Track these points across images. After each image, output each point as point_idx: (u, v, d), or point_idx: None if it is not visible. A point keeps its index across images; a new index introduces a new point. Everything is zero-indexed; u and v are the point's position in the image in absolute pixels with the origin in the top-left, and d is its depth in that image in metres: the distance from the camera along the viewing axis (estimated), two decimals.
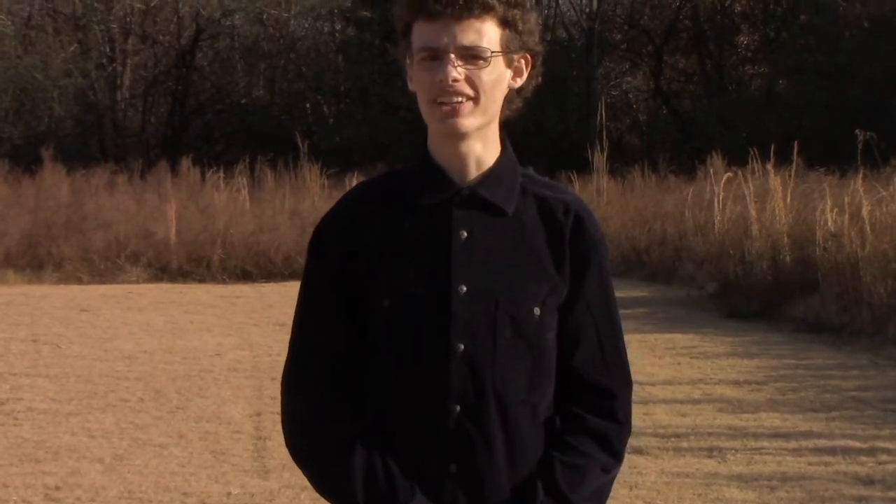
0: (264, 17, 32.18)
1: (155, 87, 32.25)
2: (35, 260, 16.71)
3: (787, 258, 12.94)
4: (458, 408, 2.19)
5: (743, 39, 33.20)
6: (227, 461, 6.85)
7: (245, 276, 16.75)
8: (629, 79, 34.29)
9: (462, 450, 2.19)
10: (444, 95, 2.16)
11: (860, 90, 25.13)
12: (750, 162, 15.06)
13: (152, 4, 30.92)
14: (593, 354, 2.28)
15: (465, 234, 2.21)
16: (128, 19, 31.01)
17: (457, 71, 2.15)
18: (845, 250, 11.99)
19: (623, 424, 2.30)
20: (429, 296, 2.20)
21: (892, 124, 19.95)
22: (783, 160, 14.68)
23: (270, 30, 32.95)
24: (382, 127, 28.73)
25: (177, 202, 17.79)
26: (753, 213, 13.70)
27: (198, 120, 32.37)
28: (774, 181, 14.02)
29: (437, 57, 2.16)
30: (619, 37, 33.73)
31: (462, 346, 2.18)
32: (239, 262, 16.90)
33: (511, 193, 2.25)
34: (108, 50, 30.78)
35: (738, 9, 33.03)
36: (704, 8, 32.73)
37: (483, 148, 2.24)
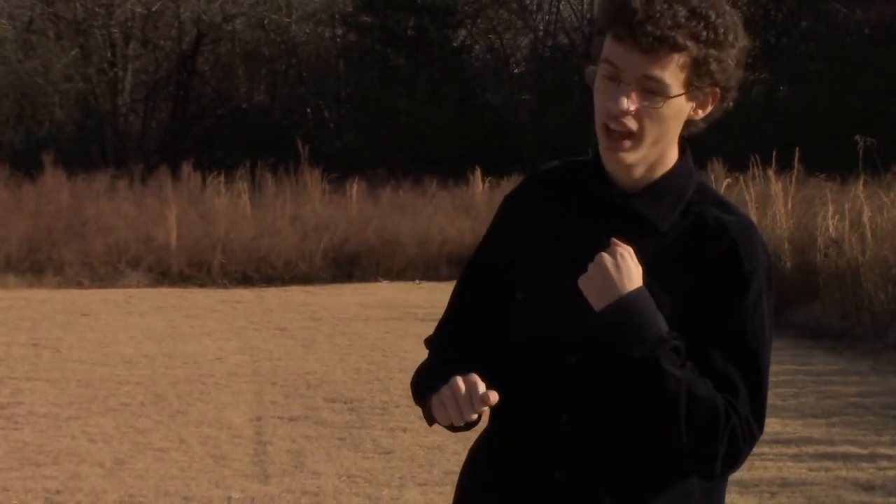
0: (265, 21, 32.20)
1: (156, 92, 32.26)
2: (36, 264, 16.71)
3: (788, 264, 12.93)
4: (565, 416, 2.15)
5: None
6: (227, 466, 6.85)
7: (246, 281, 16.75)
8: None
9: (567, 458, 2.15)
10: (613, 122, 2.11)
11: (861, 96, 25.13)
12: (751, 168, 15.05)
13: (153, 9, 30.93)
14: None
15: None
16: (129, 24, 31.02)
17: (629, 102, 2.09)
18: (846, 256, 11.99)
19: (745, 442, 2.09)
20: (556, 300, 2.15)
21: (893, 130, 19.94)
22: (784, 166, 14.67)
23: (271, 35, 32.97)
24: (383, 132, 28.74)
25: (177, 207, 17.78)
26: (754, 219, 13.67)
27: (199, 125, 32.35)
28: (775, 187, 14.01)
29: (615, 78, 2.10)
30: None
31: (575, 359, 2.14)
32: (239, 267, 16.90)
33: (669, 211, 2.16)
34: (109, 55, 30.78)
35: (738, 15, 33.02)
36: None
37: (646, 170, 2.18)
